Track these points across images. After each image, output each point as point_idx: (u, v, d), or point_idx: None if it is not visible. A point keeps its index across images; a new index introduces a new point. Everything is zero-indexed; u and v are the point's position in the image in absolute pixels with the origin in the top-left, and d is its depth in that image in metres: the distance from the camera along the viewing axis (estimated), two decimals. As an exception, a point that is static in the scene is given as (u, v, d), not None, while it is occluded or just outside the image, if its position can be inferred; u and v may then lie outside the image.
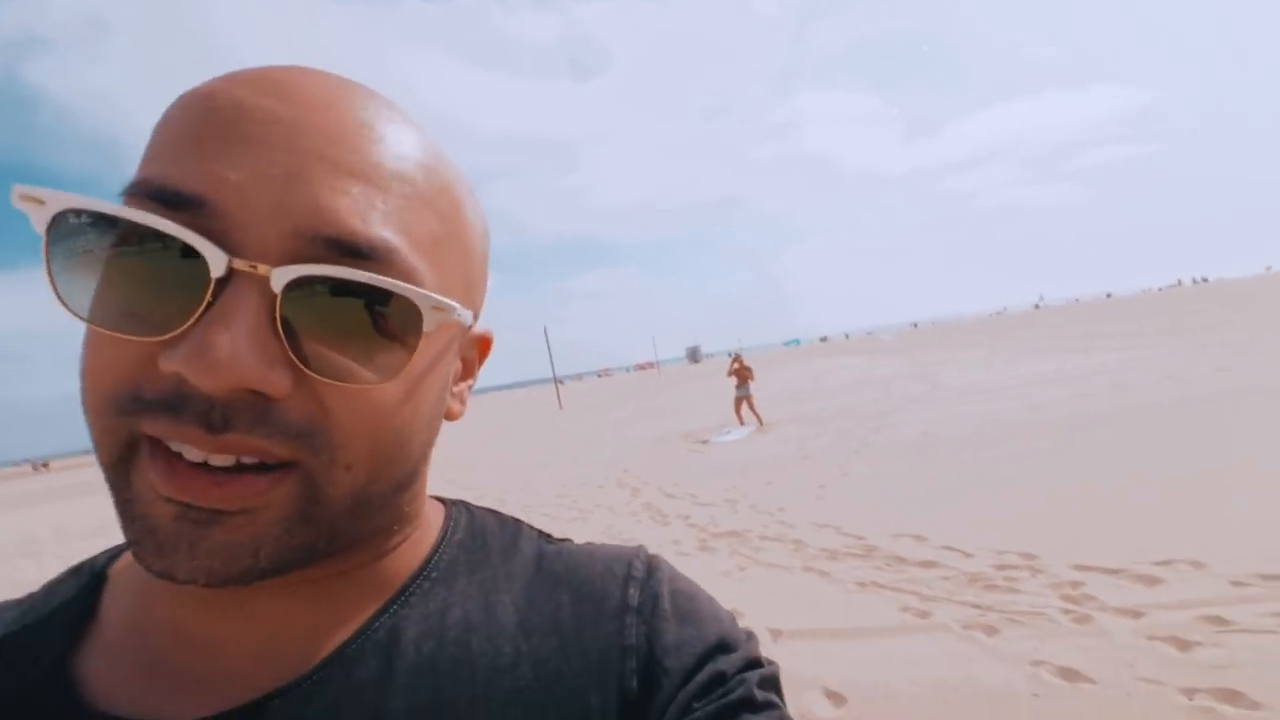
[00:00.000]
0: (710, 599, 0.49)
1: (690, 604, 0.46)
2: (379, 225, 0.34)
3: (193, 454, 0.32)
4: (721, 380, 34.18)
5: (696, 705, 0.41)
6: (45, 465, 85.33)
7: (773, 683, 0.44)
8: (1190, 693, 2.58)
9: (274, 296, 0.32)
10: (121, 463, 0.33)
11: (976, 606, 3.62)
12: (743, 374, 13.46)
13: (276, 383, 0.32)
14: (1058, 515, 4.84)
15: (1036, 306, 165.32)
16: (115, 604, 0.43)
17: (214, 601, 0.39)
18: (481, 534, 0.49)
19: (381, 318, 0.35)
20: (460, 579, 0.45)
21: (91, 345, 0.33)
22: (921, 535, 4.89)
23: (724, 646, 0.44)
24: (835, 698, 3.03)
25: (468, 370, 0.48)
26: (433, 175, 0.39)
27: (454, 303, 0.37)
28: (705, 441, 12.33)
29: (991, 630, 3.34)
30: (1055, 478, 5.88)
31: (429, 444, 0.43)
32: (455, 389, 0.46)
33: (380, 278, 0.34)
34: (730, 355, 14.04)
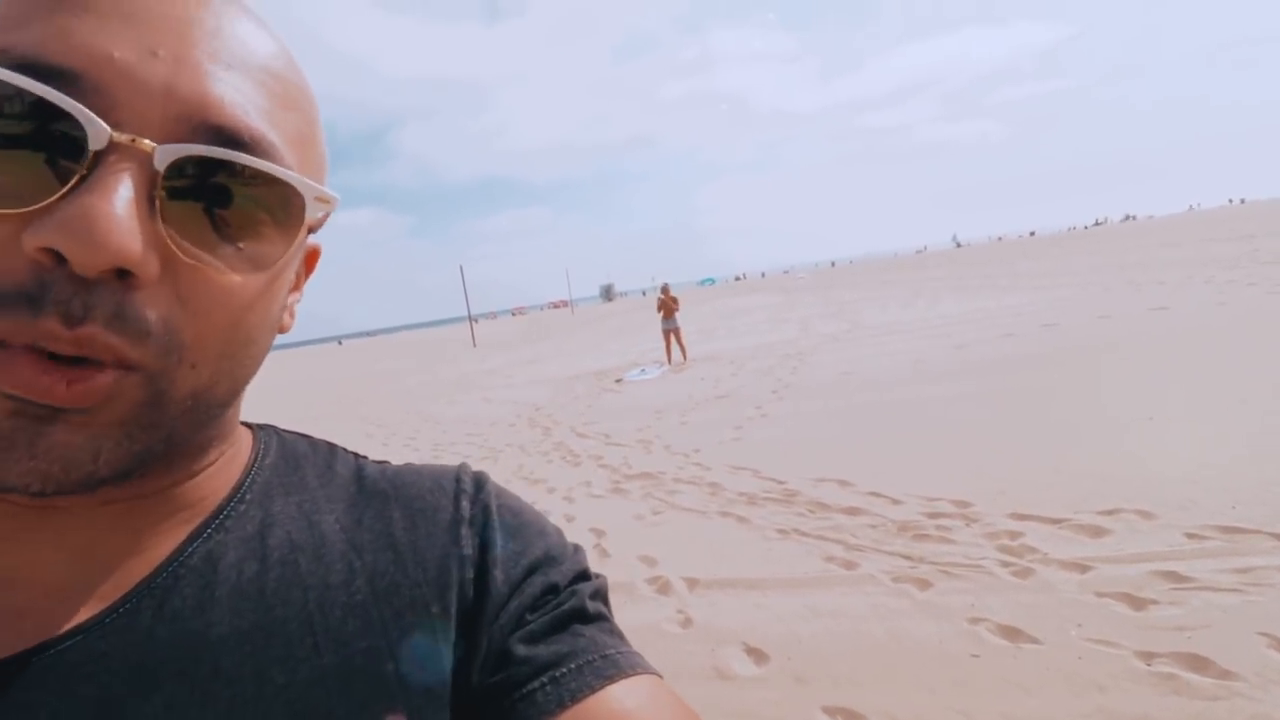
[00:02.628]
0: (537, 513, 0.49)
1: (518, 518, 0.47)
2: (258, 119, 0.34)
3: (52, 345, 0.29)
4: (634, 318, 34.60)
5: (530, 616, 0.42)
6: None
7: (602, 595, 0.46)
8: (1148, 657, 2.34)
9: (155, 175, 0.31)
10: None
11: (907, 557, 3.35)
12: (669, 306, 13.25)
13: (151, 264, 0.31)
14: (991, 461, 4.59)
15: (958, 245, 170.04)
16: None
17: (5, 530, 0.35)
18: (294, 456, 0.47)
19: (262, 207, 0.35)
20: (276, 500, 0.43)
21: None
22: (845, 480, 4.64)
23: (553, 559, 0.46)
24: (756, 654, 2.77)
25: (297, 282, 0.45)
26: (296, 77, 0.39)
27: (334, 194, 0.38)
28: (619, 380, 12.12)
29: (924, 583, 3.08)
30: (986, 421, 5.62)
31: (266, 350, 0.41)
32: (287, 301, 0.43)
33: (270, 164, 0.34)
34: (660, 289, 13.82)
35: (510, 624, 0.42)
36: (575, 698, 0.39)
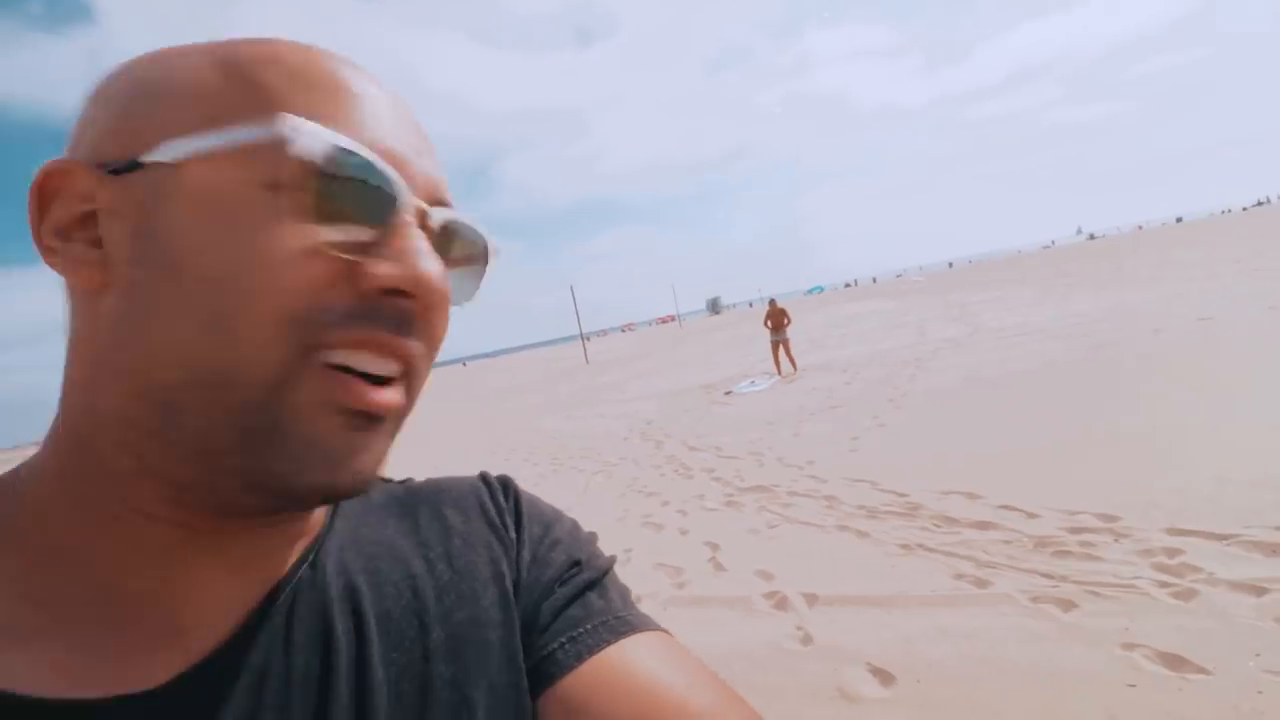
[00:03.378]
0: (551, 505, 0.56)
1: (539, 507, 0.55)
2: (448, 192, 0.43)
3: (369, 364, 0.36)
4: (742, 330, 34.33)
5: (557, 588, 0.48)
6: None
7: (612, 571, 0.52)
8: (1345, 692, 2.04)
9: (433, 232, 0.39)
10: (283, 382, 0.34)
11: (1047, 575, 3.10)
12: (778, 319, 13.14)
13: (447, 301, 0.39)
14: (1140, 470, 4.18)
15: (1090, 237, 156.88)
16: None
17: (176, 549, 0.38)
18: None
19: (474, 256, 0.44)
20: (339, 523, 0.48)
21: (267, 258, 0.34)
22: (973, 492, 4.36)
23: (573, 539, 0.53)
24: (882, 675, 2.63)
25: None
26: None
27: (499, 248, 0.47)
28: (729, 392, 12.02)
29: (1068, 604, 2.83)
30: (1132, 426, 5.11)
31: None
32: None
33: (482, 228, 0.44)
34: (768, 302, 13.78)
35: (540, 594, 0.48)
36: (592, 651, 0.44)
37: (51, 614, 0.35)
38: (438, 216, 0.39)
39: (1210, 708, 2.11)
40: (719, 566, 4.04)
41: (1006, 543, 3.53)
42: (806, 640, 2.98)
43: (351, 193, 0.35)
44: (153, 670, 0.35)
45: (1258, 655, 2.29)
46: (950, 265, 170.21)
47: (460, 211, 0.43)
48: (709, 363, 19.46)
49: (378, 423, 0.37)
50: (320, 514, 0.47)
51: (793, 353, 13.32)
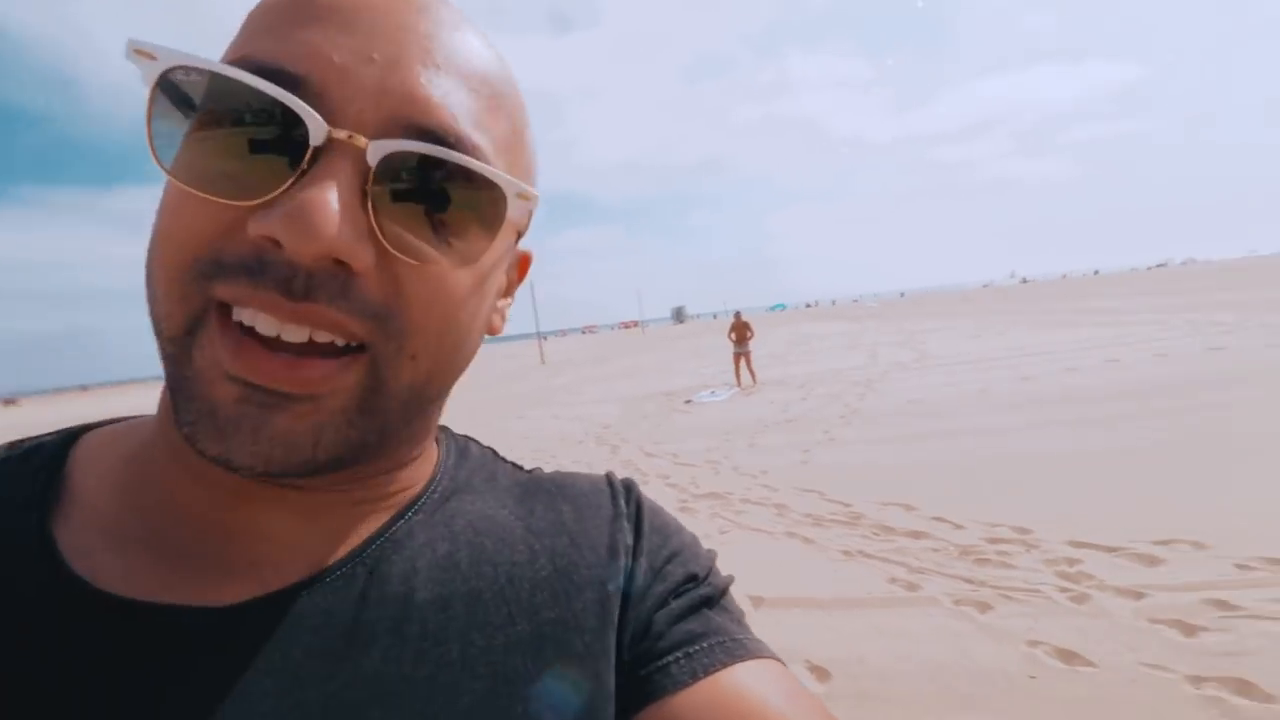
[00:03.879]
0: (674, 517, 0.54)
1: (662, 517, 0.53)
2: (466, 122, 0.36)
3: (266, 325, 0.32)
4: (705, 340, 34.40)
5: (672, 600, 0.46)
6: (13, 401, 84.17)
7: (729, 591, 0.50)
8: (1197, 681, 2.44)
9: (367, 169, 0.33)
10: (187, 335, 0.33)
11: (969, 581, 3.48)
12: (741, 331, 13.46)
13: (363, 255, 0.32)
14: (1052, 489, 4.70)
15: (1023, 281, 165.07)
16: (96, 487, 0.40)
17: (245, 492, 0.38)
18: (467, 458, 0.52)
19: (467, 203, 0.36)
20: (455, 497, 0.48)
21: (173, 206, 0.33)
22: (910, 504, 4.75)
23: (693, 553, 0.51)
24: (819, 672, 2.90)
25: (509, 287, 0.49)
26: (506, 81, 0.41)
27: (534, 191, 0.39)
28: (688, 401, 12.22)
29: (985, 606, 3.20)
30: (1048, 451, 5.74)
31: (476, 349, 0.43)
32: (498, 304, 0.47)
33: (474, 161, 0.35)
34: (733, 315, 14.10)
35: (655, 604, 0.46)
36: (707, 671, 0.42)
37: (149, 527, 0.38)
38: (377, 149, 0.32)
39: (1094, 695, 2.48)
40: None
41: (936, 550, 3.91)
42: (753, 640, 3.26)
43: (245, 126, 0.32)
44: (227, 592, 0.37)
45: (1133, 650, 2.69)
46: (903, 295, 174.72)
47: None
48: (671, 370, 19.69)
49: (290, 400, 0.33)
50: (419, 474, 0.47)
51: (753, 366, 13.59)
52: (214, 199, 0.32)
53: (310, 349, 0.33)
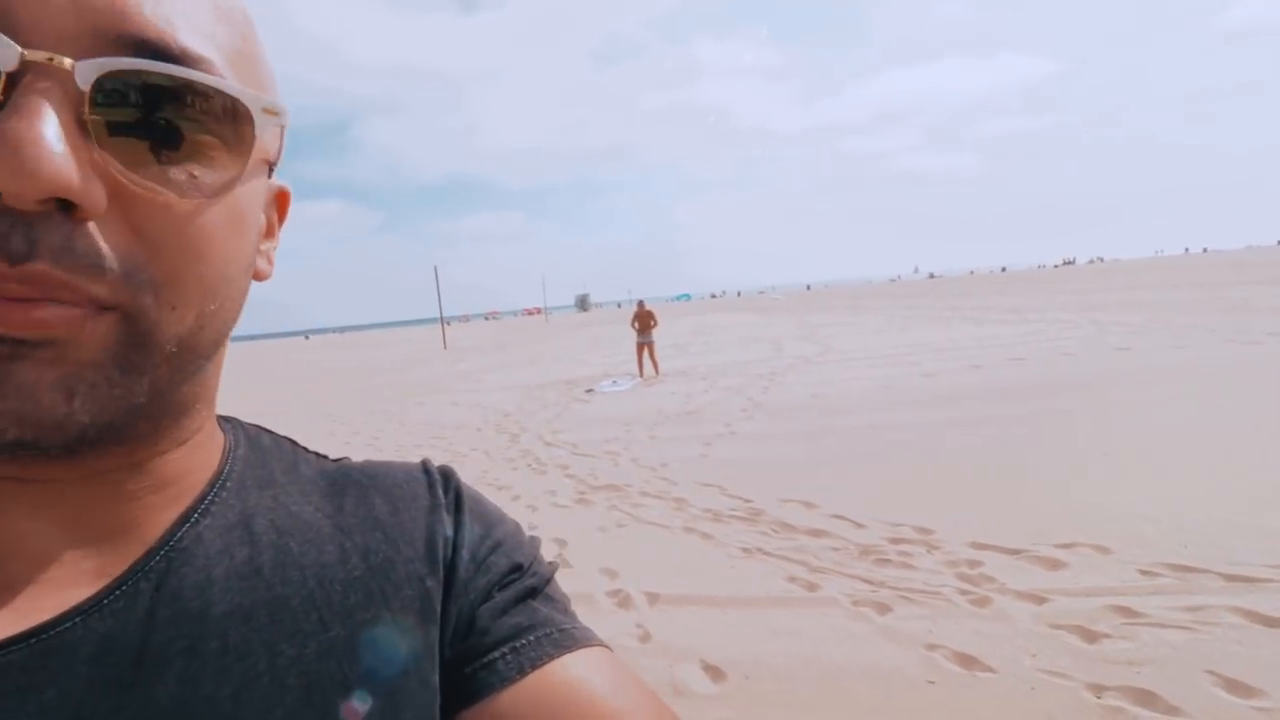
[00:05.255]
0: (495, 504, 0.52)
1: (483, 506, 0.51)
2: (186, 31, 0.32)
3: None
4: (609, 329, 34.59)
5: (496, 593, 0.45)
6: None
7: (554, 579, 0.49)
8: (1099, 690, 2.37)
9: (80, 94, 0.28)
10: None
11: (868, 581, 3.37)
12: (645, 320, 13.33)
13: (94, 193, 0.28)
14: (954, 489, 4.66)
15: (930, 276, 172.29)
16: None
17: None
18: (260, 449, 0.47)
19: (206, 126, 0.32)
20: (252, 492, 0.43)
21: None
22: (810, 501, 4.66)
23: (516, 542, 0.49)
24: (714, 672, 2.76)
25: (270, 229, 0.45)
26: None
27: (281, 105, 0.36)
28: (590, 390, 12.08)
29: (883, 608, 3.10)
30: (950, 450, 5.72)
31: (244, 294, 0.39)
32: (262, 247, 0.42)
33: (207, 76, 0.31)
34: (637, 304, 13.99)
35: (478, 598, 0.44)
36: (534, 664, 0.41)
37: None
38: (86, 70, 0.28)
39: (993, 700, 2.39)
40: (565, 563, 4.06)
41: (836, 550, 3.81)
42: (645, 638, 3.06)
43: None
44: None
45: (1033, 656, 2.61)
46: (809, 287, 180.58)
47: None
48: (573, 359, 19.44)
49: (28, 346, 0.28)
50: (203, 461, 0.41)
51: (656, 356, 13.55)
52: None
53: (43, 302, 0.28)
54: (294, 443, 0.51)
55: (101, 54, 0.28)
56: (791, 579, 3.49)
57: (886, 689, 2.53)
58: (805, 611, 3.16)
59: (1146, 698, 2.29)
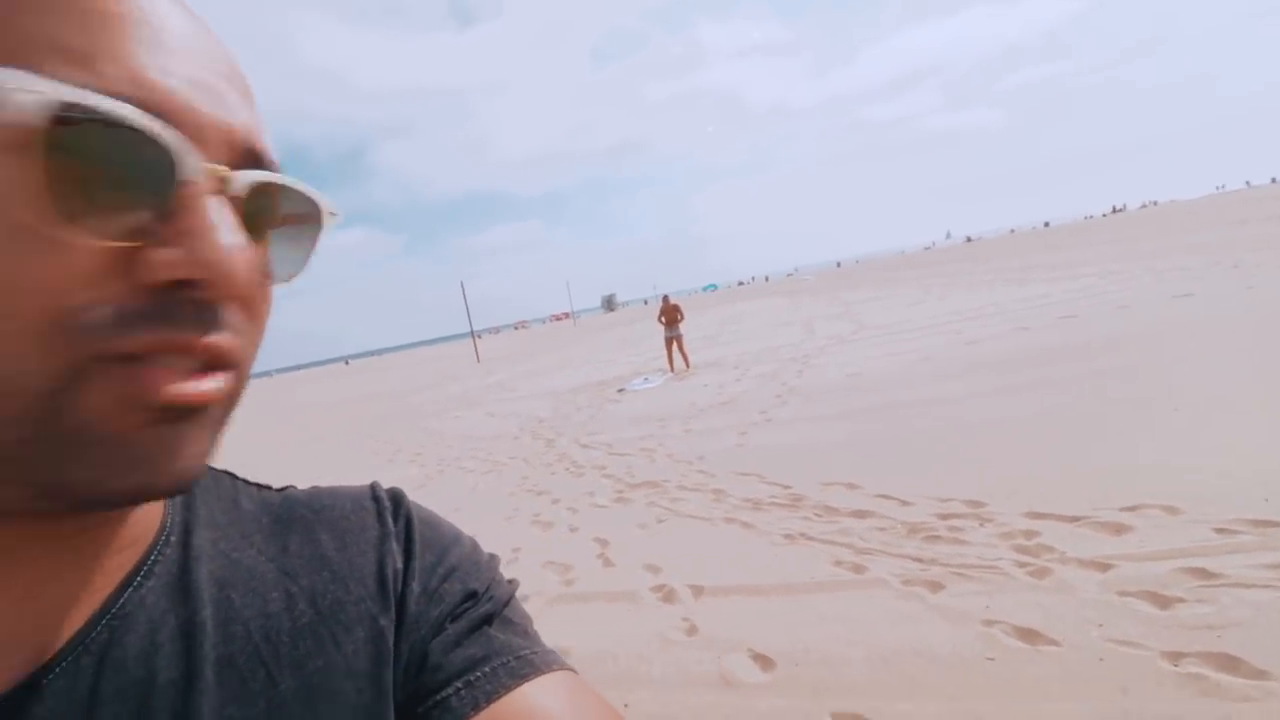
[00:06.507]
0: (451, 525, 0.51)
1: (435, 530, 0.48)
2: (265, 137, 0.36)
3: (176, 363, 0.30)
4: (636, 327, 34.60)
5: (448, 625, 0.43)
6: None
7: (514, 599, 0.48)
8: (1175, 657, 2.22)
9: (239, 199, 0.32)
10: (67, 388, 0.28)
11: (918, 560, 3.25)
12: (671, 314, 13.25)
13: (257, 284, 0.33)
14: (1005, 459, 4.47)
15: (967, 240, 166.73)
16: None
17: None
18: (200, 488, 0.45)
19: (296, 224, 0.37)
20: (193, 542, 0.41)
21: (11, 255, 0.27)
22: (853, 483, 4.53)
23: (470, 566, 0.47)
24: (763, 661, 2.67)
25: None
26: (238, 64, 0.38)
27: (338, 209, 0.40)
28: (621, 390, 12.04)
29: (936, 586, 2.98)
30: (999, 418, 5.47)
31: None
32: None
33: (304, 185, 0.36)
34: (661, 299, 13.85)
35: (430, 632, 0.43)
36: (490, 698, 0.40)
37: None
38: (242, 180, 0.32)
39: (1058, 674, 2.26)
40: (608, 562, 4.02)
41: (882, 530, 3.68)
42: (692, 631, 2.99)
43: (108, 159, 0.28)
44: None
45: (1100, 626, 2.47)
46: (839, 265, 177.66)
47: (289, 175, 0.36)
48: (603, 360, 19.44)
49: (195, 414, 0.31)
50: (149, 523, 0.40)
51: (686, 349, 13.47)
52: (77, 241, 0.28)
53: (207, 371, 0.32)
54: (233, 476, 0.50)
55: (240, 166, 0.32)
56: (838, 562, 3.39)
57: (944, 668, 2.42)
58: (854, 594, 3.06)
59: (1230, 663, 2.14)
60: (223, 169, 0.31)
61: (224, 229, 0.30)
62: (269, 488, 0.50)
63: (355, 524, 0.46)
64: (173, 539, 0.41)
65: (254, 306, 0.34)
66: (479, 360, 33.45)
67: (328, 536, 0.45)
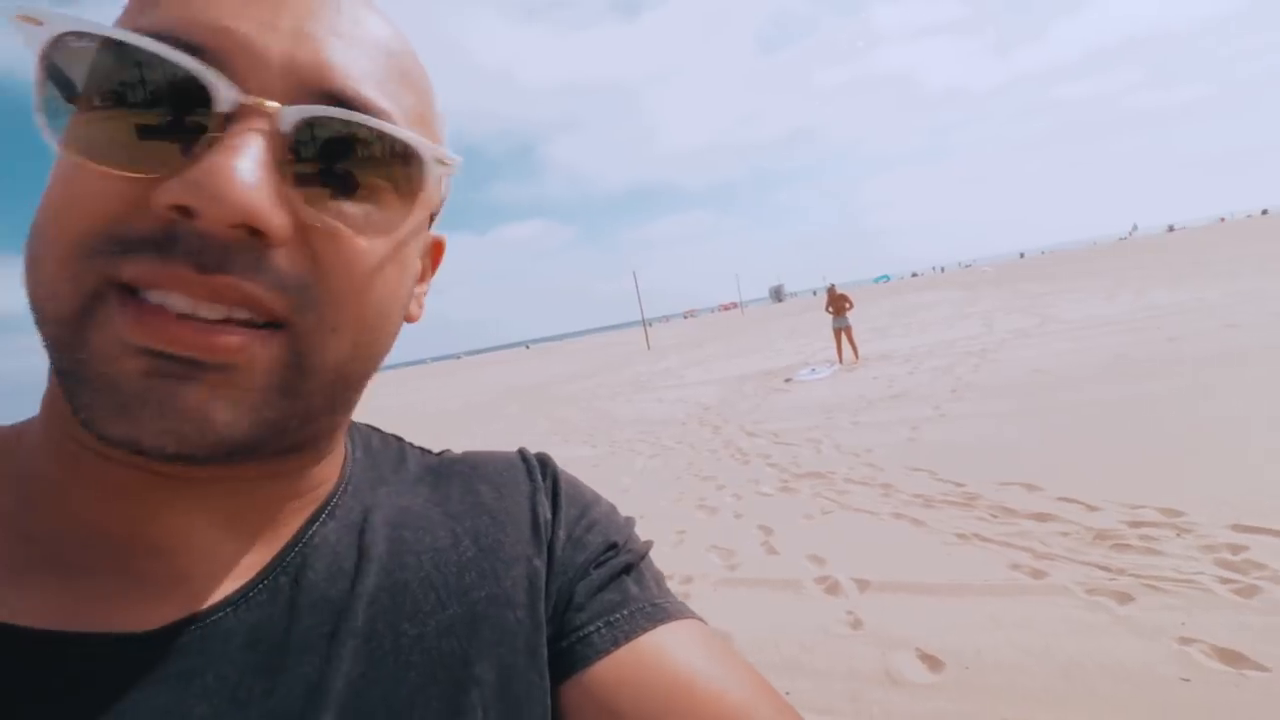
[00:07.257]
0: (590, 488, 0.56)
1: (579, 489, 0.54)
2: (375, 90, 0.35)
3: (178, 304, 0.30)
4: (805, 318, 33.87)
5: (593, 570, 0.48)
6: None
7: (648, 556, 0.52)
8: None
9: (280, 137, 0.31)
10: (82, 315, 0.30)
11: (1105, 568, 3.06)
12: (839, 304, 12.93)
13: (279, 223, 0.31)
14: (1209, 465, 4.06)
15: (1170, 229, 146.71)
16: None
17: (154, 498, 0.36)
18: (371, 451, 0.51)
19: (383, 171, 0.35)
20: (366, 491, 0.47)
21: (65, 181, 0.31)
22: (1033, 484, 4.29)
23: (611, 522, 0.52)
24: (930, 661, 2.65)
25: (424, 274, 0.47)
26: (413, 62, 0.40)
27: (454, 155, 0.38)
28: (788, 380, 11.95)
29: (1125, 597, 2.81)
30: (1203, 421, 4.96)
31: (397, 331, 0.42)
32: (416, 290, 0.45)
33: (388, 124, 0.34)
34: (828, 288, 13.57)
35: (576, 575, 0.47)
36: (628, 637, 0.44)
37: (44, 550, 0.35)
38: (290, 115, 0.31)
39: (1264, 705, 2.09)
40: (771, 550, 4.09)
41: (1065, 535, 3.49)
42: (856, 625, 3.02)
43: (145, 94, 0.31)
44: (148, 615, 0.35)
45: (1319, 654, 2.24)
46: (1022, 256, 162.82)
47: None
48: (770, 350, 19.32)
49: (205, 370, 0.30)
50: (332, 471, 0.45)
51: (855, 340, 13.10)
52: (114, 171, 0.30)
53: (226, 324, 0.31)
54: (400, 439, 0.56)
55: (301, 102, 0.32)
56: (1015, 566, 3.26)
57: (1132, 685, 2.30)
58: (1032, 600, 2.94)
59: None
60: (262, 102, 0.31)
61: (238, 157, 0.30)
62: (429, 451, 0.56)
63: (509, 479, 0.52)
64: (349, 489, 0.46)
65: (320, 261, 0.33)
66: (649, 347, 34.22)
67: (485, 488, 0.51)
